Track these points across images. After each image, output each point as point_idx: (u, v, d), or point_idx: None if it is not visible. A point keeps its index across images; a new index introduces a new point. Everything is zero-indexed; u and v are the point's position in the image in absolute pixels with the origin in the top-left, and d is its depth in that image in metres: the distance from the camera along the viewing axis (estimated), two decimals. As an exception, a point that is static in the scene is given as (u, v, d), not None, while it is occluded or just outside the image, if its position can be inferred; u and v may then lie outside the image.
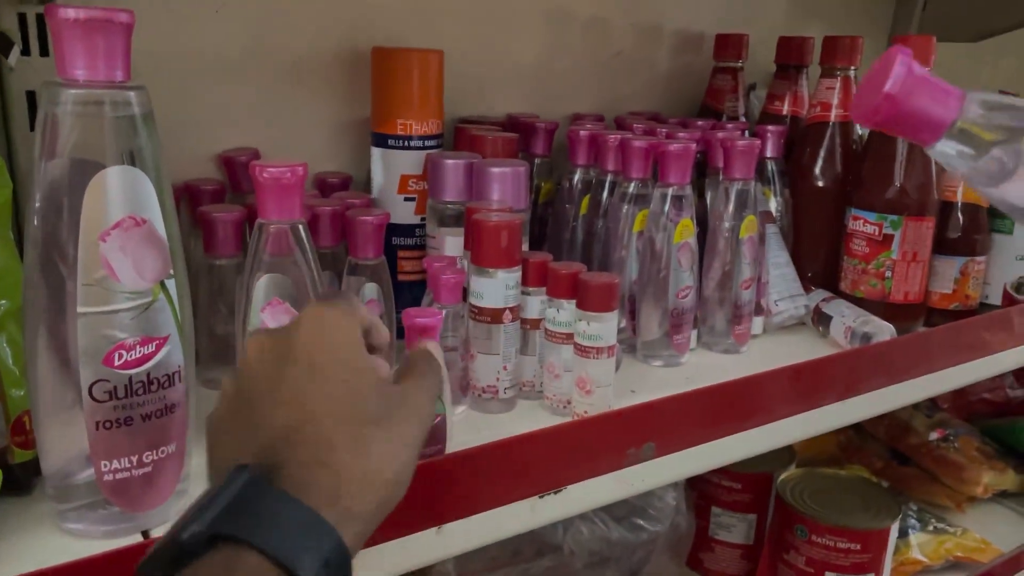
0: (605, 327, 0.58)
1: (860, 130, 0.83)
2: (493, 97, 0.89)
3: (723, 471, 0.92)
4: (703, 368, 0.72)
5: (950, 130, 0.32)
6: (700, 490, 0.95)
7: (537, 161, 0.84)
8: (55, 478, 0.45)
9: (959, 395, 1.23)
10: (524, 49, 0.90)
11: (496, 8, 0.86)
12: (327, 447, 0.34)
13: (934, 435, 1.14)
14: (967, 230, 0.80)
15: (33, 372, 0.43)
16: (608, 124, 0.91)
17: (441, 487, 0.49)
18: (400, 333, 0.67)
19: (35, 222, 0.41)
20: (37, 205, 0.41)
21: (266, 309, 0.49)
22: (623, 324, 0.74)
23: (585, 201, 0.78)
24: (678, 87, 1.01)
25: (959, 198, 0.80)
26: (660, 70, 0.99)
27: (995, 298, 0.84)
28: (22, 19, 0.60)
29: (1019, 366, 0.83)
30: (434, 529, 0.49)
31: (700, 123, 0.87)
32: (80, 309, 0.41)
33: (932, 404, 1.22)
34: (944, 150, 0.33)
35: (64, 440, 0.44)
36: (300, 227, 0.49)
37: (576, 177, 0.79)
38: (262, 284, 0.49)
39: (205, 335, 0.62)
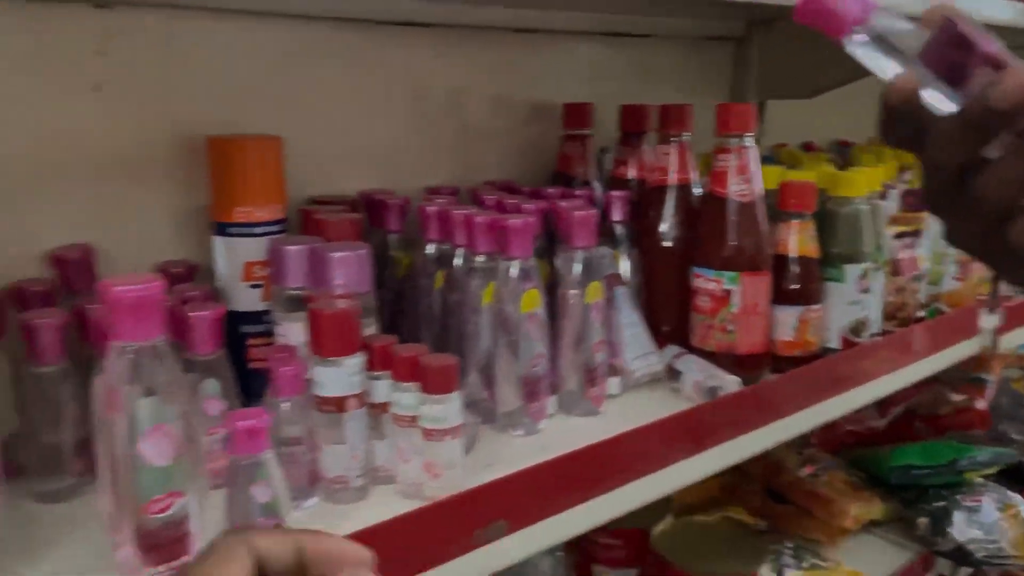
0: (448, 408, 0.58)
1: (698, 191, 0.88)
2: (346, 175, 0.89)
3: (601, 528, 0.93)
4: (561, 433, 0.73)
5: (856, 31, 0.41)
6: (581, 549, 0.95)
7: (392, 237, 0.84)
8: None
9: (827, 429, 1.28)
10: (376, 126, 0.91)
11: (343, 88, 0.87)
12: None
13: (804, 471, 1.18)
14: (802, 280, 0.85)
15: None
16: (463, 196, 0.92)
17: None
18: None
19: None
20: None
21: (146, 438, 0.46)
22: (483, 394, 0.75)
23: (439, 275, 0.78)
24: (531, 156, 1.04)
25: (792, 251, 0.85)
26: (512, 140, 1.02)
27: (835, 342, 0.89)
28: None
29: (860, 405, 0.88)
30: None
31: (551, 191, 0.90)
32: None
33: (803, 440, 1.27)
34: (853, 50, 0.41)
35: None
36: (161, 344, 0.47)
37: (429, 251, 0.79)
38: (141, 412, 0.46)
39: (32, 446, 0.59)
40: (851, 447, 1.29)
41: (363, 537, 0.51)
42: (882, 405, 1.30)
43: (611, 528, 0.93)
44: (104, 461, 0.47)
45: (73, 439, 0.60)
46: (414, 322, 0.82)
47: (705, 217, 0.82)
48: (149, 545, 0.47)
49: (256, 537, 0.34)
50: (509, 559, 0.58)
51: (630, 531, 0.93)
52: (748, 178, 0.81)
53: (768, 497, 1.21)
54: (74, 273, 0.69)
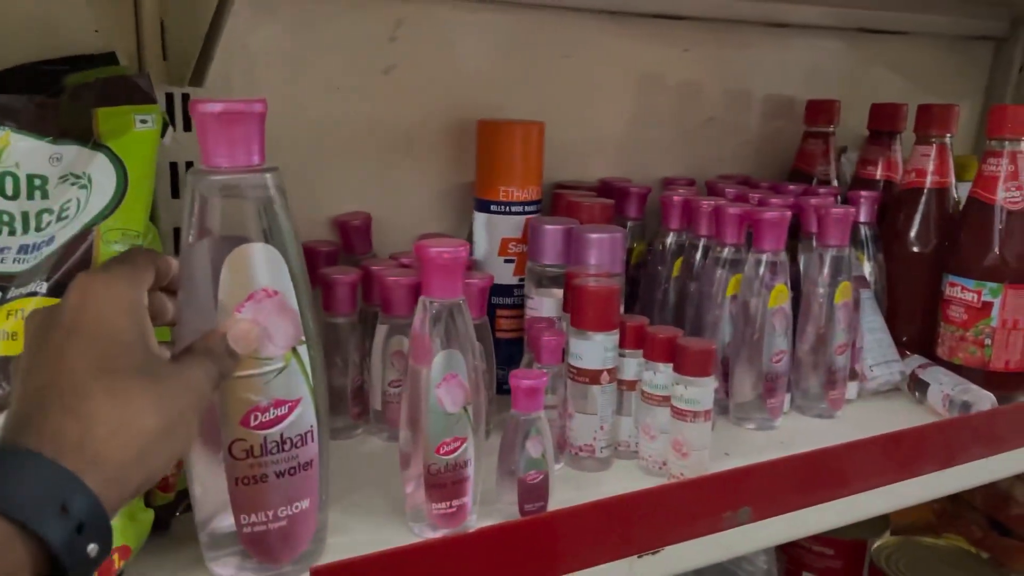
0: (702, 391, 0.60)
1: (956, 196, 0.83)
2: (586, 162, 0.92)
3: (815, 536, 0.91)
4: (797, 432, 0.72)
5: None
6: (791, 555, 0.94)
7: (630, 224, 0.86)
8: (205, 527, 0.48)
9: (1065, 465, 1.18)
10: (617, 116, 0.93)
11: (589, 78, 0.90)
12: (78, 396, 0.34)
13: (1038, 506, 1.09)
14: (1072, 298, 0.78)
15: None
16: (699, 188, 0.93)
17: (545, 543, 0.51)
18: (498, 389, 0.70)
19: (181, 293, 0.45)
20: (183, 278, 0.45)
21: (441, 385, 0.51)
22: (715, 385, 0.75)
23: (678, 264, 0.80)
24: (768, 151, 1.02)
25: (1062, 266, 0.79)
26: (750, 135, 1.01)
27: (1102, 368, 0.82)
28: (169, 98, 0.67)
29: None
30: (537, 584, 0.51)
31: (792, 187, 0.89)
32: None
33: (1035, 474, 1.17)
34: None
35: (214, 493, 0.47)
36: (462, 303, 0.52)
37: (669, 240, 0.81)
38: (439, 361, 0.51)
39: (320, 388, 0.66)
40: (1092, 488, 1.18)
41: (624, 502, 0.54)
42: None
43: (825, 536, 0.91)
44: (405, 404, 0.53)
45: (354, 384, 0.67)
46: (647, 308, 0.83)
47: (968, 223, 0.78)
48: (433, 483, 0.52)
49: (155, 256, 0.43)
50: (753, 545, 0.59)
51: (846, 542, 0.91)
52: (1020, 185, 0.76)
53: (991, 528, 1.13)
54: (355, 237, 0.77)
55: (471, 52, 0.82)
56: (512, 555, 0.50)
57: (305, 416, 0.47)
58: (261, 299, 0.45)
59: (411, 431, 0.52)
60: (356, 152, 0.78)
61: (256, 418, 0.46)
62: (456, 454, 0.52)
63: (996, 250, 0.76)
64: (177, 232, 0.70)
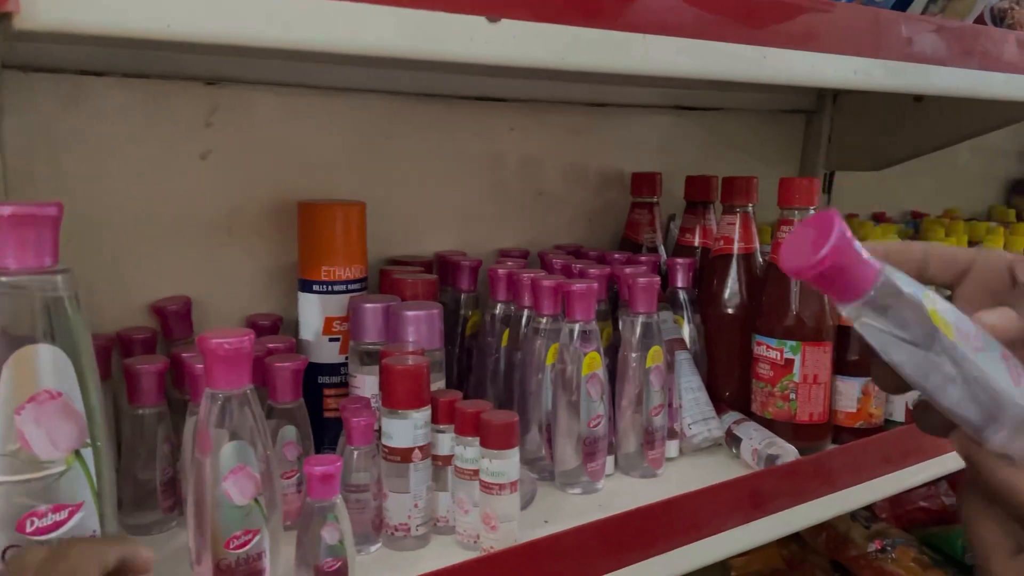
0: (507, 464, 0.61)
1: (761, 260, 0.89)
2: (423, 237, 0.95)
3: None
4: (618, 494, 0.75)
5: (859, 302, 0.36)
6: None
7: (463, 296, 0.89)
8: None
9: (897, 503, 1.25)
10: (450, 191, 0.96)
11: (418, 156, 0.93)
12: None
13: (872, 546, 1.16)
14: (864, 353, 0.85)
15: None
16: (532, 258, 0.97)
17: (341, 630, 0.51)
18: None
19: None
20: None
21: (229, 478, 0.51)
22: (542, 452, 0.77)
23: (505, 334, 0.82)
24: (600, 221, 1.07)
25: (854, 322, 0.85)
26: (583, 206, 1.06)
27: (899, 415, 0.89)
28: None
29: (924, 481, 0.86)
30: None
31: (616, 256, 0.93)
32: (-3, 478, 0.43)
33: (871, 514, 1.24)
34: (849, 315, 0.36)
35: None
36: (249, 392, 0.52)
37: (497, 311, 0.83)
38: (225, 453, 0.50)
39: (128, 481, 0.65)
40: (924, 524, 1.25)
41: (422, 582, 0.54)
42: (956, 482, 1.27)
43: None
44: (191, 498, 0.52)
45: (164, 477, 0.65)
46: (480, 378, 0.85)
47: (767, 287, 0.84)
48: (227, 578, 0.51)
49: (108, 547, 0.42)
50: (561, 614, 0.60)
51: (687, 597, 0.93)
52: (810, 250, 0.82)
53: (833, 571, 1.19)
54: (173, 322, 0.76)
55: (292, 135, 0.83)
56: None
57: (87, 521, 0.46)
58: (44, 400, 0.44)
59: (199, 526, 0.52)
60: (174, 237, 0.77)
61: (32, 523, 0.44)
62: (248, 547, 0.52)
63: (794, 311, 0.82)
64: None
